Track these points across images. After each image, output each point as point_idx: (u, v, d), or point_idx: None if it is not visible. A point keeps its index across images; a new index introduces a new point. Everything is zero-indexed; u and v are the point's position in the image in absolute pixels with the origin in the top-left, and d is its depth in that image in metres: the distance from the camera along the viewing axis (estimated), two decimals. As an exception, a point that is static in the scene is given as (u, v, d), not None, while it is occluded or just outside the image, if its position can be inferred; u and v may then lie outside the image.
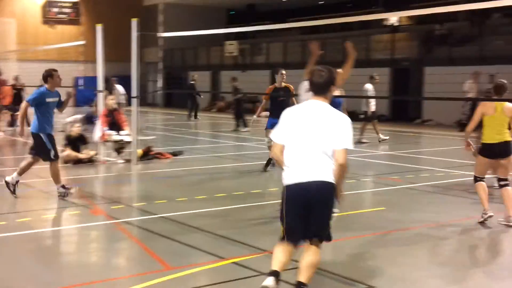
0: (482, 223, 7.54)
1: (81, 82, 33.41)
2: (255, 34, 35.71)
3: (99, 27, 13.03)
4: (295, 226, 4.77)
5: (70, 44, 22.14)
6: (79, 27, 35.95)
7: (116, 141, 12.84)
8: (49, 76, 8.98)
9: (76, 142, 12.40)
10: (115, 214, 8.06)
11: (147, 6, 37.71)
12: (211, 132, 20.99)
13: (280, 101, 10.88)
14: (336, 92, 6.89)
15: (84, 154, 12.34)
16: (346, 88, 9.11)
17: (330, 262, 5.89)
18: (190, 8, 36.49)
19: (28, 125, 10.70)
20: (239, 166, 12.64)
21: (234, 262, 5.95)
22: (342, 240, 6.57)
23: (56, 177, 8.90)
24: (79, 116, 14.98)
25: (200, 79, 26.41)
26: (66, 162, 11.88)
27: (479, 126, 7.72)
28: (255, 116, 12.35)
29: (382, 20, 28.35)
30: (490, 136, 7.55)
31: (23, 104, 9.10)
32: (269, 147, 7.10)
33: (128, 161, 12.51)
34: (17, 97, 19.02)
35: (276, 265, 4.78)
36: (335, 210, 5.18)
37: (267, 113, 11.43)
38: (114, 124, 12.90)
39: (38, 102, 8.78)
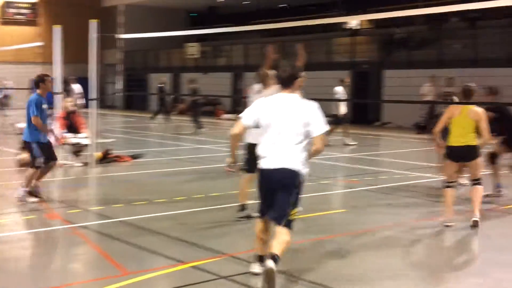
0: (443, 225, 7.63)
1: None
2: (216, 37, 35.62)
3: (57, 28, 12.81)
4: (263, 204, 5.37)
5: (27, 45, 21.72)
6: (37, 28, 35.31)
7: (73, 144, 12.63)
8: (41, 81, 8.88)
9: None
10: (72, 218, 7.91)
11: (106, 7, 37.27)
12: (171, 134, 20.82)
13: None
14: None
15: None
16: (310, 91, 9.08)
17: (290, 265, 5.88)
18: (150, 10, 36.21)
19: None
20: (199, 169, 12.55)
21: (193, 266, 5.89)
22: (302, 242, 6.57)
23: (28, 180, 8.78)
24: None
25: (161, 81, 26.20)
26: (21, 165, 11.61)
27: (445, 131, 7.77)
28: None
29: (343, 23, 28.61)
30: (455, 139, 7.62)
31: (35, 120, 8.68)
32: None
33: (86, 164, 12.30)
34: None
35: (260, 250, 5.45)
36: (299, 207, 5.37)
37: None
38: (72, 127, 12.69)
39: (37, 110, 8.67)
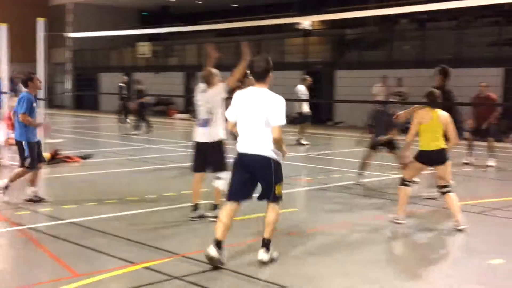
0: (393, 222, 7.73)
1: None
2: (168, 36, 35.37)
3: (3, 27, 12.57)
4: (238, 186, 5.91)
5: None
6: (-17, 26, 34.34)
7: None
8: (29, 79, 8.72)
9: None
10: (20, 220, 7.71)
11: (54, 5, 36.54)
12: (121, 134, 20.53)
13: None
14: None
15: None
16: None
17: (243, 264, 5.88)
18: (100, 9, 35.68)
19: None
20: (151, 169, 12.41)
21: (145, 267, 5.80)
22: (254, 241, 6.53)
23: (15, 177, 8.74)
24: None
25: (111, 80, 25.76)
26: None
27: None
28: None
29: (295, 24, 28.78)
30: (426, 143, 7.70)
31: (22, 117, 8.52)
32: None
33: (34, 165, 12.00)
34: None
35: (218, 234, 5.79)
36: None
37: None
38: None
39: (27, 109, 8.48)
